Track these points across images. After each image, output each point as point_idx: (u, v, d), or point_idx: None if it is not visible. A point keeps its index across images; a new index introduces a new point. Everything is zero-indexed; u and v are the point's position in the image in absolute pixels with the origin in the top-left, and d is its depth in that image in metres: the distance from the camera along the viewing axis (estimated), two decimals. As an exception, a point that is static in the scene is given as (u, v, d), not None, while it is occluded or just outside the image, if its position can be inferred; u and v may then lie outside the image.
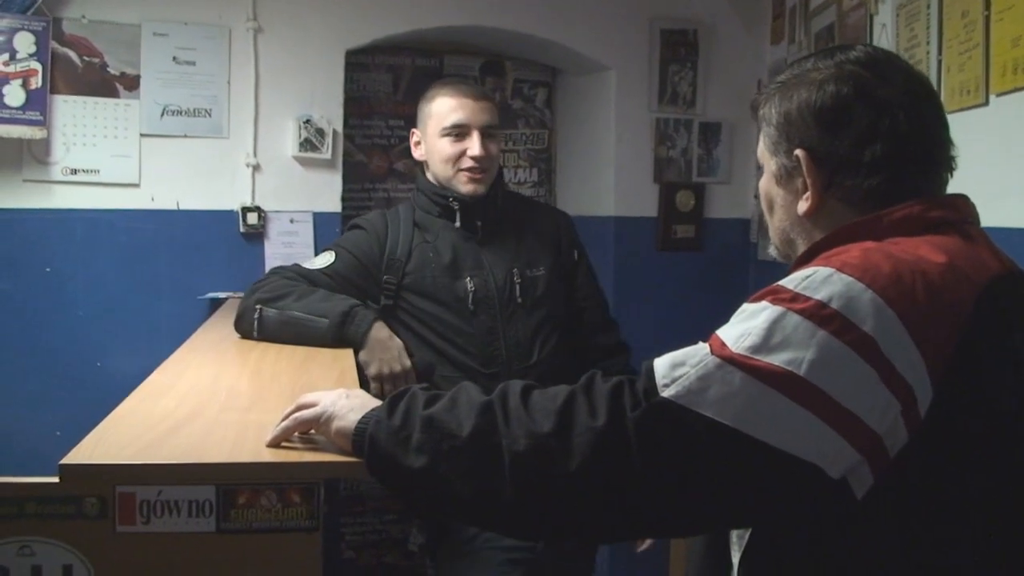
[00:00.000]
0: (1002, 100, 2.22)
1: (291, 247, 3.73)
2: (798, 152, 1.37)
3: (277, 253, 3.70)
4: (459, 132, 2.52)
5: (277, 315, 2.32)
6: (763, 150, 1.47)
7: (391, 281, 2.54)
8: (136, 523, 1.32)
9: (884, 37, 2.86)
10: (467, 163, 2.52)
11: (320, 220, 3.79)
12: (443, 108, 2.56)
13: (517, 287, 2.52)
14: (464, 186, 2.54)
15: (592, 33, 4.15)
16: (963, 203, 1.38)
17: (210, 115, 3.61)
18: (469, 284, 2.50)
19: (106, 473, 1.32)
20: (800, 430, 1.14)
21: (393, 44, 4.13)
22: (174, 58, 3.56)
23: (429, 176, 2.63)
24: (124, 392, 1.78)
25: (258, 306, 2.35)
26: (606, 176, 4.21)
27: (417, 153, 2.66)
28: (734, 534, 1.41)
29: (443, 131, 2.53)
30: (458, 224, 2.57)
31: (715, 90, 4.30)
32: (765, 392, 1.14)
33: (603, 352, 2.66)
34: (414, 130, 2.68)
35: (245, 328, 2.41)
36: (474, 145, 2.51)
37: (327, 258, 2.55)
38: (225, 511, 1.34)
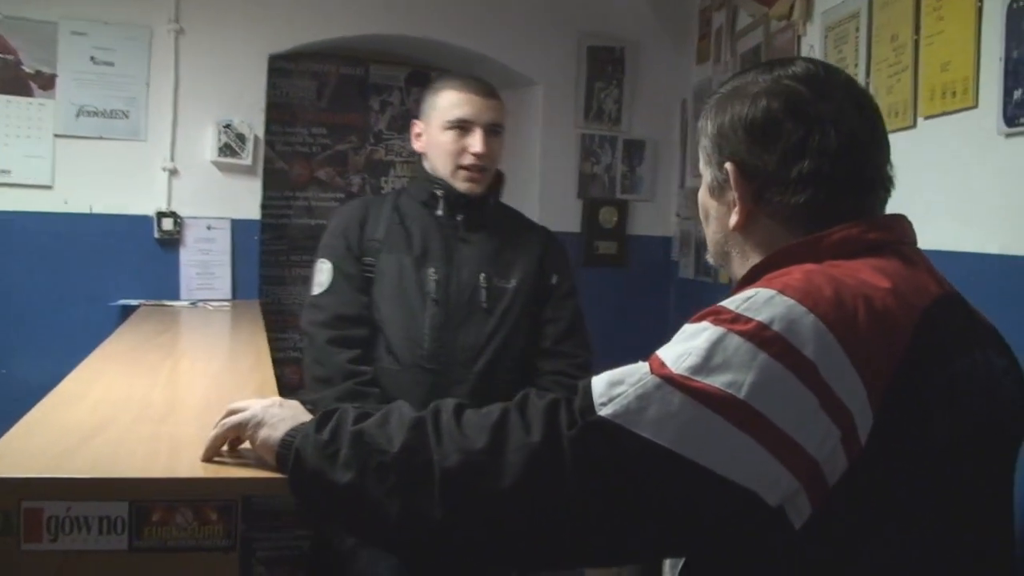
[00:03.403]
0: (930, 123, 2.24)
1: (208, 254, 3.65)
2: (727, 165, 1.36)
3: (193, 260, 3.62)
4: (462, 127, 2.47)
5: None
6: (701, 162, 1.45)
7: (370, 262, 2.49)
8: (43, 540, 1.25)
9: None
10: (468, 159, 2.46)
11: (238, 227, 3.71)
12: (448, 102, 2.49)
13: (483, 291, 2.47)
14: (461, 183, 2.48)
15: (520, 47, 4.15)
16: (900, 224, 1.36)
17: (128, 117, 3.51)
18: (432, 274, 2.45)
19: (11, 487, 1.25)
20: (738, 454, 1.11)
21: (318, 51, 4.07)
22: (92, 58, 3.46)
23: (426, 166, 2.57)
24: (30, 400, 1.70)
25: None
26: (531, 190, 4.20)
27: (418, 144, 2.59)
28: (667, 564, 1.38)
29: (446, 124, 2.47)
30: (439, 212, 2.51)
31: (640, 108, 4.33)
32: (704, 414, 1.11)
33: (539, 374, 2.55)
34: (416, 121, 2.60)
35: None
36: (476, 142, 2.45)
37: (326, 273, 2.49)
38: (138, 528, 1.27)
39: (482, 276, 2.48)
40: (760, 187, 1.34)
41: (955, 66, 2.11)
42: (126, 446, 1.45)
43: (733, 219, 1.38)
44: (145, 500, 1.28)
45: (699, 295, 3.96)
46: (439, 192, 2.50)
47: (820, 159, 1.30)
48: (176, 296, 3.59)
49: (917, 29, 2.29)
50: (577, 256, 4.17)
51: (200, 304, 3.51)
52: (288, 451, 1.33)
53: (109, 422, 1.59)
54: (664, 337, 1.21)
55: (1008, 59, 1.92)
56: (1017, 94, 1.89)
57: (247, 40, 3.69)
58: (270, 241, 4.05)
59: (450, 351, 2.43)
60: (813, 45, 2.93)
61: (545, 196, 4.17)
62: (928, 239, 1.41)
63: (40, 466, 1.31)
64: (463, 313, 2.45)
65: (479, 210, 2.54)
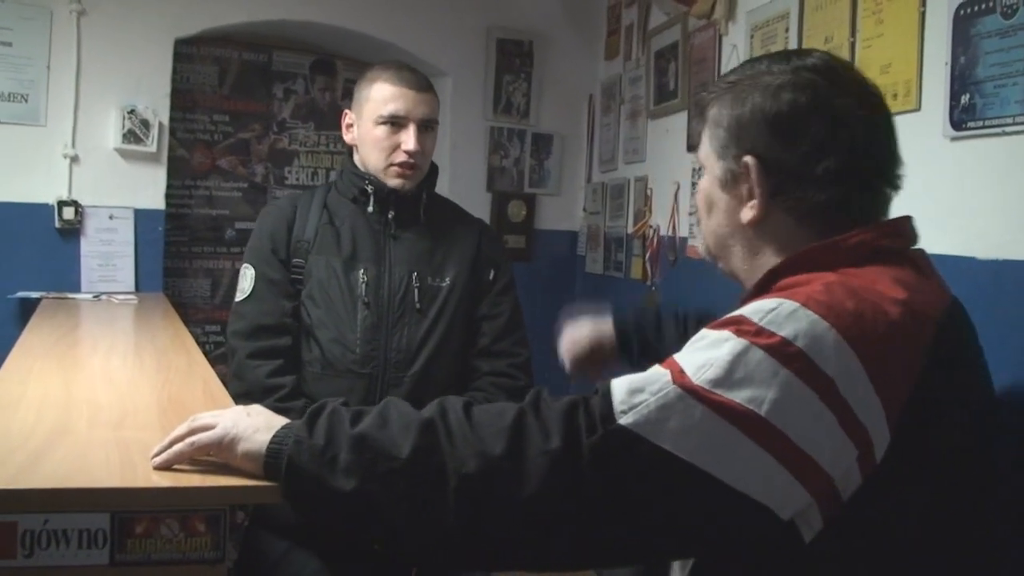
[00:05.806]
0: (868, 125, 2.27)
1: (110, 245, 3.52)
2: (747, 159, 1.32)
3: (94, 251, 3.49)
4: (395, 123, 2.38)
5: None
6: (708, 151, 1.40)
7: (300, 264, 2.40)
8: (17, 556, 1.17)
9: (735, 58, 2.90)
10: (400, 157, 2.37)
11: (142, 217, 3.60)
12: (381, 95, 2.39)
13: (415, 291, 2.39)
14: (392, 180, 2.39)
15: (429, 38, 4.12)
16: (907, 228, 1.35)
17: (26, 101, 3.36)
18: (362, 275, 2.37)
19: (-20, 500, 1.17)
20: (755, 470, 1.11)
21: (222, 35, 3.96)
22: (-12, 37, 3.29)
23: (356, 160, 2.48)
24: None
25: None
26: (440, 183, 4.10)
27: (348, 136, 2.49)
28: (676, 564, 1.37)
29: (379, 119, 2.38)
30: (370, 210, 2.42)
31: (548, 102, 4.35)
32: (725, 429, 1.11)
33: (477, 376, 2.50)
34: (347, 111, 2.50)
35: None
36: (409, 139, 2.36)
37: (248, 279, 2.40)
38: (121, 541, 1.20)
39: (414, 276, 2.41)
40: (779, 183, 1.31)
41: (897, 69, 2.16)
42: (93, 454, 1.36)
43: (748, 214, 1.34)
44: (128, 511, 1.21)
45: (606, 290, 3.99)
46: (369, 188, 2.41)
47: (848, 155, 1.28)
48: (77, 288, 3.46)
49: (853, 32, 2.33)
50: (487, 250, 4.16)
51: (104, 297, 3.37)
52: (277, 459, 1.26)
53: (64, 427, 1.50)
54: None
55: (955, 64, 1.97)
56: (964, 99, 1.94)
57: (152, 23, 3.57)
58: (170, 231, 3.91)
59: (383, 354, 2.36)
60: (736, 44, 2.96)
61: (454, 189, 4.12)
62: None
63: (8, 476, 1.23)
64: (395, 315, 2.38)
65: (411, 206, 2.46)
